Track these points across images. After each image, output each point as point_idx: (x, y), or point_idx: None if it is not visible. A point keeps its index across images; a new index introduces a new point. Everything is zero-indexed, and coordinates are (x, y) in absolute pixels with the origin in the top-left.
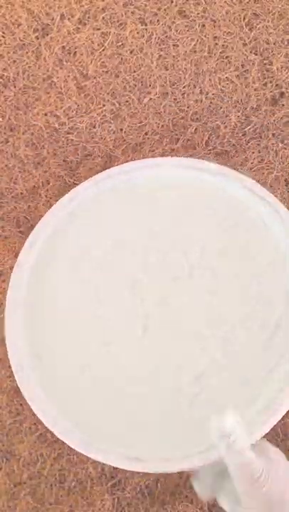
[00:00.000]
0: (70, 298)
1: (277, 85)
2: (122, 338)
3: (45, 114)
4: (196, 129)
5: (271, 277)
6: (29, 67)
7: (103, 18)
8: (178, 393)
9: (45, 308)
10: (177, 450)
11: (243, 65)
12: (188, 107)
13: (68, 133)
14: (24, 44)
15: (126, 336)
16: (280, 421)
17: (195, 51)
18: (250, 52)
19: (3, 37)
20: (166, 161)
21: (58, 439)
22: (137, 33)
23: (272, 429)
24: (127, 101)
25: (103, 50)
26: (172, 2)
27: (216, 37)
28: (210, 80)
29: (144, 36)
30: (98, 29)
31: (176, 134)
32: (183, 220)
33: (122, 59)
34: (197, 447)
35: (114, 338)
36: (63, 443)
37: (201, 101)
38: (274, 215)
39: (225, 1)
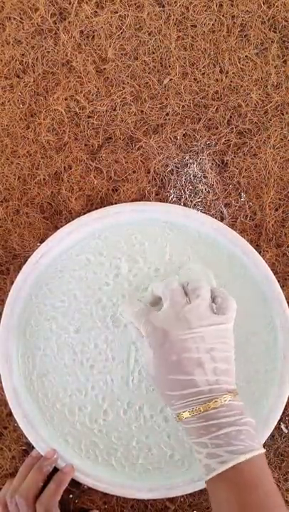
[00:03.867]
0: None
1: None
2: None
3: (66, 99)
4: (217, 108)
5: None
6: (48, 52)
7: (121, 1)
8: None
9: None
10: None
11: (262, 43)
12: (208, 87)
13: (89, 117)
14: (42, 29)
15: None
16: None
17: (213, 31)
18: (269, 30)
19: (21, 22)
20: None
21: None
22: (155, 14)
23: None
24: (146, 83)
25: (121, 33)
26: None
27: (234, 16)
28: (229, 58)
29: (161, 18)
30: (116, 12)
31: (198, 114)
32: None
33: (140, 41)
34: None
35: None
36: None
37: (222, 80)
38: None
39: None
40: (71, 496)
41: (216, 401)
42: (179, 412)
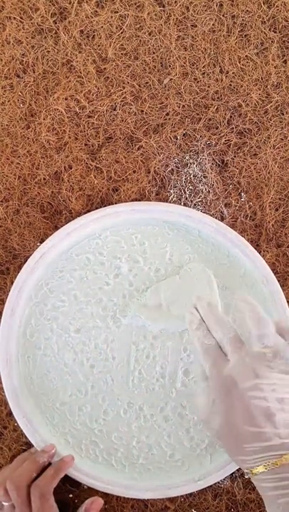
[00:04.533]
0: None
1: None
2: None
3: (66, 99)
4: (217, 108)
5: None
6: (48, 51)
7: (121, 0)
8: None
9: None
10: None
11: (262, 43)
12: (208, 87)
13: (89, 116)
14: (42, 29)
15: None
16: None
17: (214, 31)
18: (269, 29)
19: (21, 22)
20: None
21: None
22: (155, 14)
23: None
24: (147, 82)
25: (122, 32)
26: None
27: (234, 16)
28: (230, 58)
29: (162, 17)
30: (116, 12)
31: (198, 114)
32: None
33: (140, 41)
34: None
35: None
36: None
37: (222, 80)
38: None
39: None
40: (71, 495)
41: None
42: (249, 469)
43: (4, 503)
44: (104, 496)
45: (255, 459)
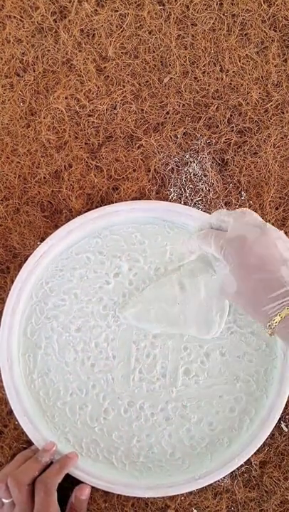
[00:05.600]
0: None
1: None
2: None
3: (66, 98)
4: (217, 107)
5: None
6: (48, 50)
7: None
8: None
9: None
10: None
11: (262, 42)
12: (209, 85)
13: (89, 115)
14: (42, 28)
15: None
16: None
17: (214, 29)
18: (270, 28)
19: (21, 21)
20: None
21: None
22: (155, 13)
23: None
24: (147, 81)
25: (122, 31)
26: None
27: (234, 14)
28: (230, 57)
29: (162, 16)
30: (116, 11)
31: (198, 113)
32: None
33: (140, 40)
34: None
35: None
36: None
37: (222, 79)
38: None
39: None
40: (70, 494)
41: None
42: (272, 318)
43: (4, 501)
44: (105, 494)
45: (279, 305)
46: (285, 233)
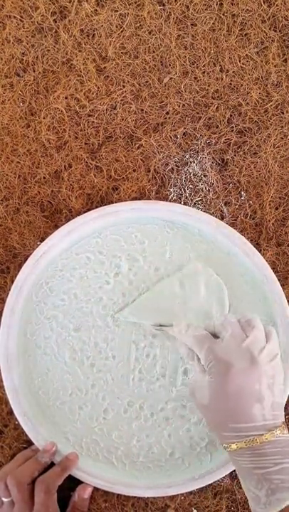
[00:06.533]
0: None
1: None
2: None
3: (66, 98)
4: (217, 107)
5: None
6: (48, 50)
7: None
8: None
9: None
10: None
11: (262, 42)
12: (208, 86)
13: (89, 115)
14: (42, 28)
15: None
16: None
17: (214, 29)
18: (270, 28)
19: (21, 21)
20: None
21: None
22: (155, 13)
23: None
24: (147, 81)
25: (122, 31)
26: None
27: (234, 14)
28: (230, 57)
29: (162, 16)
30: (116, 11)
31: (198, 113)
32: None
33: (140, 40)
34: None
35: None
36: None
37: (222, 79)
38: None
39: None
40: (71, 493)
41: (272, 433)
42: (229, 443)
43: (4, 499)
44: (105, 494)
45: (238, 436)
46: (285, 233)
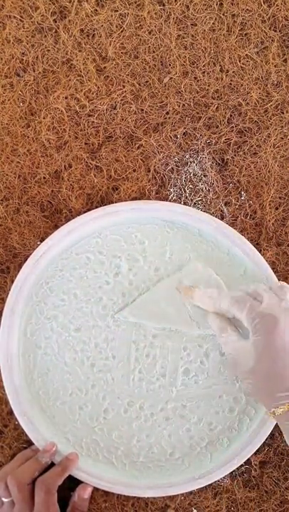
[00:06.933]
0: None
1: None
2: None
3: (66, 98)
4: (217, 107)
5: None
6: (48, 50)
7: None
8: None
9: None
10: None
11: (262, 42)
12: (208, 86)
13: (89, 115)
14: (42, 28)
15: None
16: None
17: (214, 29)
18: (270, 28)
19: (21, 21)
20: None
21: None
22: (155, 13)
23: None
24: (147, 81)
25: (122, 31)
26: None
27: (234, 14)
28: (230, 57)
29: (162, 16)
30: (116, 11)
31: (198, 113)
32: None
33: (140, 40)
34: None
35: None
36: None
37: (222, 79)
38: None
39: None
40: (71, 493)
41: None
42: (279, 406)
43: (4, 500)
44: (105, 494)
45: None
46: (285, 233)
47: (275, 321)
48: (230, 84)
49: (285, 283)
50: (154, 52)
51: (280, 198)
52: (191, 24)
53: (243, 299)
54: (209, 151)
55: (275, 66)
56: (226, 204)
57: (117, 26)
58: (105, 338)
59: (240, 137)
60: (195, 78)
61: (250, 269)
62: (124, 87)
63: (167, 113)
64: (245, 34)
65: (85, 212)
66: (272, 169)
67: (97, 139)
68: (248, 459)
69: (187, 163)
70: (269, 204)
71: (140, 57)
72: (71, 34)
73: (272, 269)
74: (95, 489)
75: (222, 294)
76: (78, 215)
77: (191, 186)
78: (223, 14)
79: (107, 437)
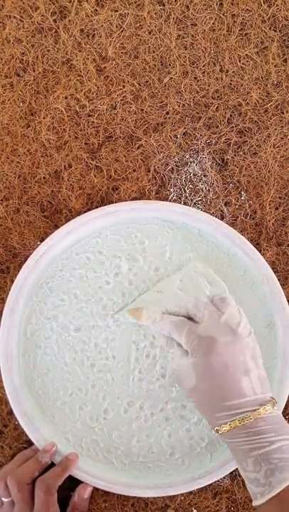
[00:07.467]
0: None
1: None
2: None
3: (66, 98)
4: (217, 107)
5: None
6: (48, 50)
7: None
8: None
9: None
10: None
11: (262, 42)
12: (208, 86)
13: (89, 115)
14: (42, 28)
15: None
16: None
17: (214, 29)
18: (270, 28)
19: (21, 21)
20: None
21: None
22: (155, 13)
23: None
24: (147, 81)
25: (122, 31)
26: None
27: (234, 14)
28: (230, 57)
29: (162, 16)
30: (116, 11)
31: (198, 113)
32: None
33: (140, 40)
34: None
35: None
36: None
37: (222, 79)
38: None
39: None
40: (71, 493)
41: (264, 408)
42: (221, 425)
43: (4, 499)
44: (105, 494)
45: (231, 414)
46: (285, 233)
47: (212, 341)
48: (230, 84)
49: (229, 295)
50: (154, 52)
51: (280, 198)
52: (191, 24)
53: (182, 323)
54: (209, 151)
55: (275, 66)
56: (226, 204)
57: (117, 26)
58: (105, 338)
59: (240, 137)
60: (195, 78)
61: (249, 269)
62: (124, 87)
63: (167, 113)
64: (245, 34)
65: (85, 212)
66: (272, 169)
67: (97, 139)
68: None
69: (187, 163)
70: (269, 204)
71: (140, 57)
72: (71, 34)
73: (272, 269)
74: (95, 489)
75: (163, 318)
76: (78, 215)
77: (191, 186)
78: (223, 14)
79: (107, 437)
